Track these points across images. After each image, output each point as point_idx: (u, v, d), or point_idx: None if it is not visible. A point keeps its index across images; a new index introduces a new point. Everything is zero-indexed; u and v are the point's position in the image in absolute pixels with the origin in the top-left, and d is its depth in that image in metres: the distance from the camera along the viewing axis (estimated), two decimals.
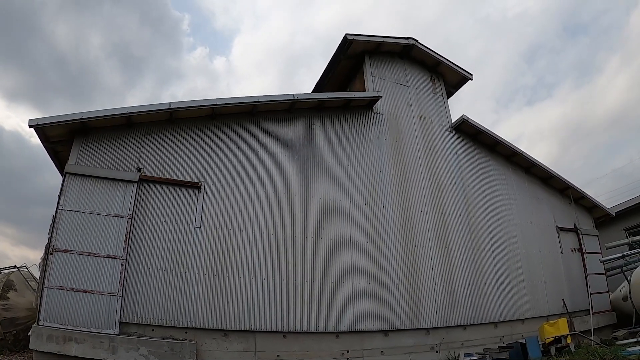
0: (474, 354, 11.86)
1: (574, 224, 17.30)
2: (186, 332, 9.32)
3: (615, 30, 78.30)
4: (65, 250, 8.92)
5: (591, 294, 16.23)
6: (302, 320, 10.53)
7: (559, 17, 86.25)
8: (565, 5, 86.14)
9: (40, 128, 9.37)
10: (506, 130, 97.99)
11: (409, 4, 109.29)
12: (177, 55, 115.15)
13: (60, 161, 10.48)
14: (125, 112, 9.85)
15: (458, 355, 11.99)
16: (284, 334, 10.26)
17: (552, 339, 12.42)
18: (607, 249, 16.22)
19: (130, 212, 9.58)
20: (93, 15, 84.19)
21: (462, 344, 12.54)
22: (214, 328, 9.59)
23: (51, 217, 9.69)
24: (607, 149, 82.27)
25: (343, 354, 10.74)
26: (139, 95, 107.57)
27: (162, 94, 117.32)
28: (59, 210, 9.20)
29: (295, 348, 10.26)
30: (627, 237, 14.50)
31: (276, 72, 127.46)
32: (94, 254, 9.08)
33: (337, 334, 10.87)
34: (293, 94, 11.79)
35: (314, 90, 16.27)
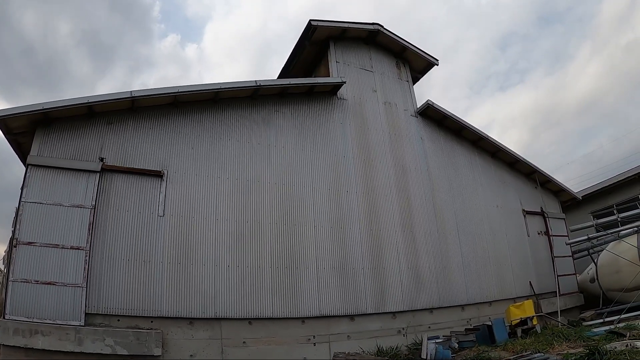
0: (440, 337, 12.18)
1: (541, 207, 17.95)
2: (152, 322, 9.59)
3: (587, 18, 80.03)
4: (29, 243, 9.09)
5: (558, 276, 16.86)
6: (267, 306, 10.86)
7: (534, 5, 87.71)
8: None
9: (1, 120, 9.52)
10: (479, 116, 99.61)
11: None
12: (148, 42, 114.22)
13: (23, 153, 10.57)
14: (86, 101, 9.97)
15: (428, 338, 12.27)
16: (250, 320, 10.59)
17: (519, 320, 12.91)
18: (571, 231, 16.83)
19: (93, 203, 9.76)
20: (61, 3, 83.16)
21: (429, 327, 13.01)
22: (180, 316, 9.87)
23: (14, 210, 9.87)
24: (577, 135, 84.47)
25: (309, 339, 11.12)
26: (109, 84, 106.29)
27: (133, 82, 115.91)
28: (22, 203, 9.34)
29: (261, 334, 10.60)
30: (592, 220, 15.05)
31: (248, 59, 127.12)
32: (58, 245, 9.26)
33: (303, 319, 11.23)
34: (256, 81, 11.99)
35: (279, 77, 16.47)
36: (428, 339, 11.91)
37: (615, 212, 14.45)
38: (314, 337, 11.21)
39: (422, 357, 10.80)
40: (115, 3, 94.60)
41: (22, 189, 9.53)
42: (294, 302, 11.26)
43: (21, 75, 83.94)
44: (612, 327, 11.67)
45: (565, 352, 9.37)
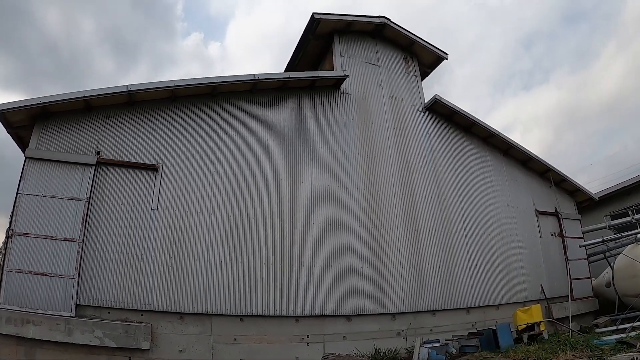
0: (440, 341, 12.28)
1: (555, 208, 17.98)
2: (142, 315, 9.98)
3: (612, 16, 79.27)
4: (24, 234, 9.58)
5: (571, 279, 16.88)
6: (260, 303, 11.13)
7: (559, 2, 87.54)
8: None
9: (2, 113, 10.03)
10: (502, 115, 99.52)
11: None
12: (171, 40, 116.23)
13: (24, 146, 10.93)
14: (83, 95, 10.43)
15: (423, 341, 12.30)
16: (241, 317, 10.88)
17: (525, 325, 12.89)
18: (582, 233, 16.89)
19: (88, 195, 10.21)
20: (84, 0, 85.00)
21: (431, 329, 13.12)
22: (170, 311, 10.23)
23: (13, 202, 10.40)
24: (602, 135, 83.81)
25: (302, 338, 11.34)
26: (132, 81, 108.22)
27: (156, 79, 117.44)
28: (18, 195, 9.83)
29: (252, 332, 10.87)
30: (605, 221, 15.11)
31: (271, 56, 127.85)
32: (52, 237, 9.73)
33: (297, 317, 11.47)
34: (254, 74, 12.30)
35: (285, 71, 16.72)
36: (425, 343, 12.01)
37: (630, 213, 14.44)
38: (307, 336, 11.41)
39: None
40: (138, 1, 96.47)
41: (19, 181, 9.97)
42: (288, 300, 11.49)
43: (45, 72, 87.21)
44: (624, 335, 11.50)
45: None
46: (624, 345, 10.04)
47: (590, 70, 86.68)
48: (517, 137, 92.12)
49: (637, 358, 8.38)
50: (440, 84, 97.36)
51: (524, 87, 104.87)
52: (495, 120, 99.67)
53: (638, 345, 9.64)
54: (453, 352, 11.81)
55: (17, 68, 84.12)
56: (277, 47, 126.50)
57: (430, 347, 11.38)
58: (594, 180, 78.01)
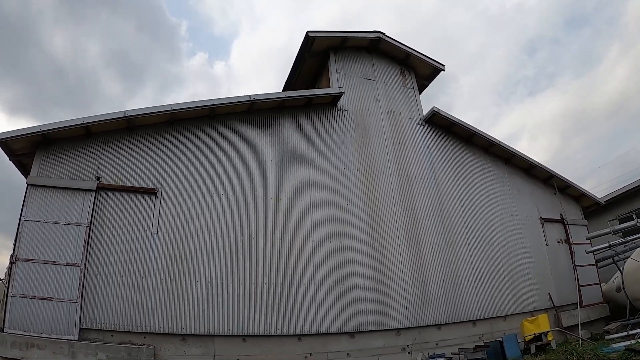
0: (446, 354, 12.46)
1: (560, 214, 18.18)
2: (144, 337, 10.30)
3: (614, 19, 79.81)
4: (28, 260, 9.99)
5: (580, 286, 17.01)
6: (262, 323, 11.37)
7: (560, 8, 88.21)
8: None
9: (4, 142, 10.46)
10: (508, 123, 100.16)
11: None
12: (176, 61, 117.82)
13: (27, 173, 11.29)
14: (82, 122, 10.87)
15: (429, 356, 12.54)
16: (244, 337, 11.15)
17: (532, 336, 13.14)
18: (586, 239, 17.02)
19: (89, 220, 10.62)
20: (89, 24, 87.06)
21: (437, 343, 13.27)
22: (172, 333, 10.53)
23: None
24: (609, 138, 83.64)
25: (306, 357, 11.57)
26: (139, 103, 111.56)
27: (163, 100, 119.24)
28: (21, 221, 10.26)
29: (255, 352, 11.13)
30: (609, 226, 15.25)
31: (276, 73, 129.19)
32: (54, 262, 10.13)
33: (300, 336, 11.70)
34: (249, 95, 12.67)
35: (283, 89, 17.11)
36: (431, 357, 12.24)
37: (634, 216, 14.59)
38: (310, 354, 11.62)
39: None
40: (143, 23, 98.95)
41: (22, 207, 10.40)
42: (290, 319, 11.71)
43: (53, 96, 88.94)
44: (633, 342, 11.59)
45: None
46: (632, 352, 10.20)
47: (595, 74, 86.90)
48: (524, 144, 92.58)
49: None
50: (447, 94, 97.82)
51: (529, 94, 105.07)
52: (502, 128, 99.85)
53: None
54: None
55: (25, 93, 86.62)
56: (281, 64, 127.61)
57: None
58: (602, 184, 77.62)
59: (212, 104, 12.32)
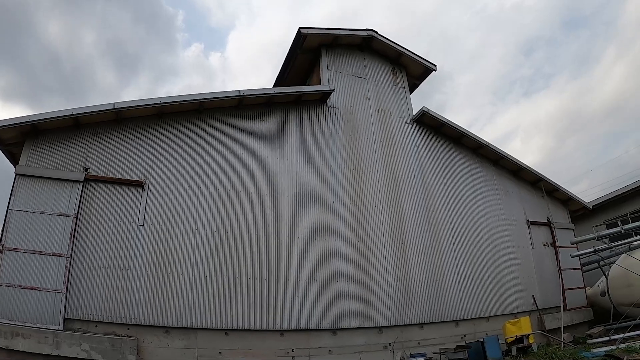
0: (427, 354, 12.63)
1: (547, 218, 18.43)
2: (128, 329, 10.48)
3: (612, 21, 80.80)
4: (14, 249, 10.14)
5: (565, 289, 17.29)
6: (245, 317, 11.55)
7: (558, 9, 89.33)
8: None
9: None
10: (503, 123, 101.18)
11: None
12: (172, 51, 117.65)
13: (17, 162, 11.40)
14: (71, 113, 11.03)
15: (410, 355, 12.68)
16: (226, 331, 11.32)
17: (514, 338, 13.29)
18: (571, 243, 17.29)
19: (76, 211, 10.79)
20: (86, 14, 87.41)
21: (419, 342, 13.50)
22: (156, 325, 10.71)
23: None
24: (604, 140, 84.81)
25: (288, 352, 11.73)
26: (134, 93, 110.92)
27: (158, 91, 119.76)
28: (9, 210, 10.41)
29: (237, 346, 11.28)
30: (594, 232, 15.53)
31: (272, 68, 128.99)
32: (41, 252, 10.30)
33: (282, 332, 11.88)
34: (239, 90, 12.81)
35: (274, 85, 17.27)
36: (412, 356, 12.38)
37: (619, 223, 14.89)
38: (292, 350, 11.79)
39: None
40: (139, 13, 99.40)
41: (9, 197, 10.55)
42: (273, 314, 11.88)
43: (48, 85, 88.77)
44: (613, 347, 11.84)
45: None
46: (611, 358, 10.42)
47: (591, 75, 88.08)
48: (518, 143, 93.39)
49: None
50: (442, 93, 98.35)
51: (524, 94, 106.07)
52: (497, 127, 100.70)
53: (625, 359, 10.01)
54: None
55: (20, 82, 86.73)
56: (277, 57, 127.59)
57: None
58: (594, 187, 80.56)
59: (201, 98, 12.46)
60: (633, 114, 72.31)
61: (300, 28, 14.88)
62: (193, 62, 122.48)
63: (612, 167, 63.78)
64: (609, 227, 17.77)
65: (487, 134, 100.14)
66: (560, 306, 16.78)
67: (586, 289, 18.70)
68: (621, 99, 76.79)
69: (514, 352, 12.97)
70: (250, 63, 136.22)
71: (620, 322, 14.79)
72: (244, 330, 11.50)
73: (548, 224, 18.47)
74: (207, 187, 12.29)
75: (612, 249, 16.88)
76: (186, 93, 14.64)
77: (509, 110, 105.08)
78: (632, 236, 16.29)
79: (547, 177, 18.37)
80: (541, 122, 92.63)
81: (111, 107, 11.40)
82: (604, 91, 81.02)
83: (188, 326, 10.99)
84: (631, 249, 15.89)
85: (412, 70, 17.77)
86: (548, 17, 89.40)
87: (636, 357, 10.07)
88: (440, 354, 12.83)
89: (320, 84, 15.22)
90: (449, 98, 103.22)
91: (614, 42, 79.44)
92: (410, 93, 17.65)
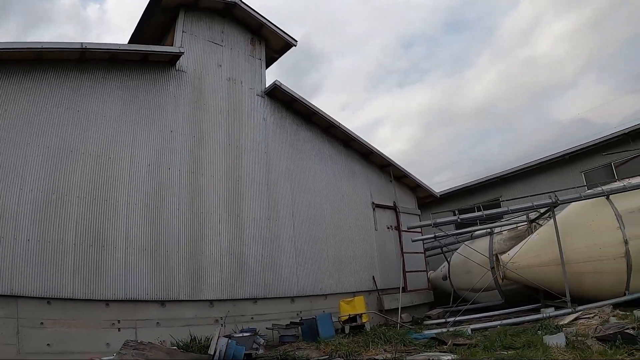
0: (258, 329, 12.90)
1: (394, 202, 19.58)
2: None
3: (491, 29, 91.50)
4: None
5: (406, 271, 18.51)
6: (69, 285, 11.05)
7: (445, 11, 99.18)
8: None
9: None
10: (375, 109, 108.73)
11: None
12: None
13: None
14: None
15: (240, 330, 12.80)
16: (49, 300, 10.72)
17: (347, 317, 14.02)
18: (408, 228, 18.32)
19: None
20: None
21: (252, 317, 13.88)
22: None
23: None
24: (472, 136, 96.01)
25: (113, 323, 11.44)
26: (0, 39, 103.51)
27: (27, 38, 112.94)
28: None
29: (60, 316, 10.73)
30: (431, 219, 16.60)
31: None
32: None
33: (107, 302, 11.53)
34: (82, 43, 12.24)
35: (129, 42, 16.83)
36: (241, 331, 12.52)
37: (455, 213, 15.95)
38: (118, 321, 11.50)
39: (209, 353, 10.24)
40: None
41: None
42: (98, 283, 11.47)
43: None
44: (444, 330, 12.66)
45: (375, 357, 9.90)
46: (437, 341, 11.00)
47: (464, 76, 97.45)
48: (387, 131, 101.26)
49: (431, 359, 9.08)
50: (319, 72, 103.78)
51: (398, 85, 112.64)
52: (368, 112, 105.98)
53: (450, 343, 10.56)
54: (262, 342, 12.14)
55: None
56: None
57: (231, 338, 11.09)
58: (457, 177, 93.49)
59: (39, 46, 11.75)
60: (501, 116, 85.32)
61: None
62: (68, 10, 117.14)
63: (476, 162, 69.75)
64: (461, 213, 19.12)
65: (358, 117, 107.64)
66: (400, 287, 17.83)
67: (429, 272, 20.06)
68: (491, 102, 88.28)
69: (347, 330, 13.63)
70: (130, 18, 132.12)
71: (457, 305, 15.84)
72: (68, 299, 11.01)
73: (393, 208, 19.55)
74: (36, 143, 11.51)
75: (456, 237, 18.20)
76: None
77: (381, 98, 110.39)
78: (478, 225, 17.67)
79: (410, 165, 19.83)
80: (412, 113, 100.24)
81: None
82: (474, 93, 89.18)
83: (7, 293, 10.24)
84: (473, 237, 17.20)
85: (273, 43, 18.01)
86: (433, 16, 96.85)
87: (460, 341, 10.63)
88: (272, 329, 13.27)
89: (173, 46, 15.00)
90: (324, 77, 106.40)
91: (489, 50, 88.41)
92: (269, 66, 17.98)
